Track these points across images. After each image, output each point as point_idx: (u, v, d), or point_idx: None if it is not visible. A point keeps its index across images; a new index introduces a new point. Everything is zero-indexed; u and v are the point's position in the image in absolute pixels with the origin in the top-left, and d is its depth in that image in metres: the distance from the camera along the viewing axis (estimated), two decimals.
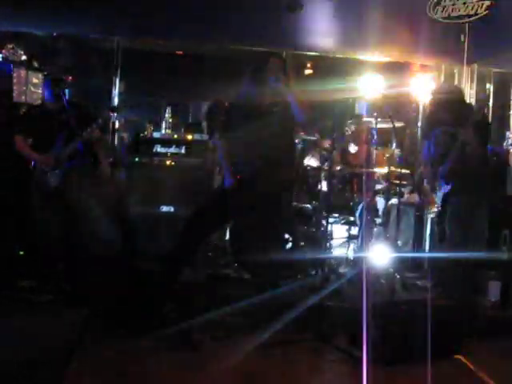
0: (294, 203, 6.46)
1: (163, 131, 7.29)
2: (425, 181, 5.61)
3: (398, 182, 6.26)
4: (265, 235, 4.93)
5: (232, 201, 4.78)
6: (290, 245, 6.17)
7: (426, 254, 6.19)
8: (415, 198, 6.36)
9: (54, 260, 5.36)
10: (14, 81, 6.39)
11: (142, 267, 5.53)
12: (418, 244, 6.54)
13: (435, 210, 5.34)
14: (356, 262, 6.14)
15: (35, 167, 5.48)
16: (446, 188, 5.17)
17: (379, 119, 6.31)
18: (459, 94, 5.52)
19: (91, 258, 5.39)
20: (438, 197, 5.28)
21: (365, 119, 6.87)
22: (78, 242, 5.43)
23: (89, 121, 5.47)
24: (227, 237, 6.49)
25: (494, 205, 5.56)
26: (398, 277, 5.78)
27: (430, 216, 5.54)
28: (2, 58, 6.34)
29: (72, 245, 5.41)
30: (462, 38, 7.28)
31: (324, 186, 6.42)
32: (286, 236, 6.09)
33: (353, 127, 6.92)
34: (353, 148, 6.92)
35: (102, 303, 4.64)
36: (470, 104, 6.56)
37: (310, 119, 4.95)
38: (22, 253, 5.74)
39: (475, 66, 7.61)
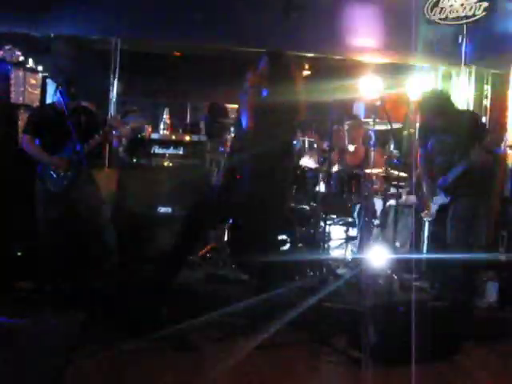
0: (293, 204, 6.46)
1: (161, 132, 7.30)
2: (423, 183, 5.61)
3: (395, 183, 6.26)
4: (263, 236, 4.92)
5: (230, 200, 4.77)
6: (288, 246, 6.17)
7: (424, 256, 6.19)
8: (413, 199, 6.36)
9: (54, 261, 5.34)
10: (12, 82, 6.38)
11: (140, 268, 5.54)
12: (415, 245, 6.54)
13: (432, 212, 5.34)
14: (354, 264, 6.14)
15: (43, 168, 5.44)
16: (445, 200, 5.15)
17: (377, 120, 6.32)
18: (446, 98, 5.44)
19: (91, 259, 5.40)
20: (435, 204, 5.26)
21: (362, 120, 6.88)
22: (81, 244, 5.43)
23: (99, 123, 5.50)
24: (226, 238, 6.50)
25: (492, 206, 5.58)
26: (396, 278, 5.79)
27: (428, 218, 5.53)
28: (0, 58, 6.33)
29: (74, 246, 5.41)
30: (460, 40, 7.30)
31: (322, 187, 6.42)
32: (285, 237, 6.09)
33: (350, 128, 6.94)
34: (350, 149, 6.94)
35: (101, 304, 4.64)
36: (464, 110, 6.56)
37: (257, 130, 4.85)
38: (19, 254, 5.72)
39: (473, 67, 7.62)
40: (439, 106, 5.22)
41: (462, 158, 4.97)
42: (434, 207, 5.28)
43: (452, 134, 5.13)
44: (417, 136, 7.82)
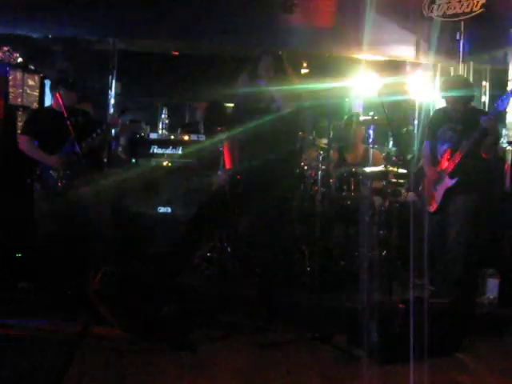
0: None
1: (160, 132, 7.30)
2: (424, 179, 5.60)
3: (395, 180, 6.26)
4: (265, 235, 4.92)
5: (232, 200, 4.78)
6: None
7: (425, 252, 6.18)
8: (413, 196, 6.35)
9: (54, 261, 5.34)
10: (10, 83, 6.38)
11: (140, 268, 5.54)
12: (416, 242, 6.53)
13: (434, 207, 5.35)
14: (354, 261, 6.14)
15: (42, 168, 5.43)
16: (450, 182, 5.18)
17: (376, 118, 6.31)
18: (471, 86, 5.52)
19: (92, 258, 5.39)
20: (438, 194, 5.28)
21: (361, 118, 6.87)
22: (80, 244, 5.42)
23: (95, 123, 5.51)
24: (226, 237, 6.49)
25: (493, 203, 5.58)
26: (397, 275, 5.78)
27: (429, 214, 5.53)
28: None
29: (73, 246, 5.40)
30: (458, 36, 7.29)
31: (321, 185, 6.41)
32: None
33: (349, 126, 6.94)
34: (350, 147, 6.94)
35: (102, 305, 4.64)
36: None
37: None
38: (19, 255, 5.72)
39: (471, 63, 7.61)
40: (464, 90, 5.28)
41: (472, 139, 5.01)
42: (438, 195, 5.28)
43: (464, 122, 5.16)
44: (419, 130, 7.85)
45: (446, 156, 5.25)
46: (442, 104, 5.84)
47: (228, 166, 5.01)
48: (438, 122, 5.47)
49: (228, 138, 5.20)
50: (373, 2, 7.24)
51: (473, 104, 5.54)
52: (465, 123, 5.17)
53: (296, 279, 5.73)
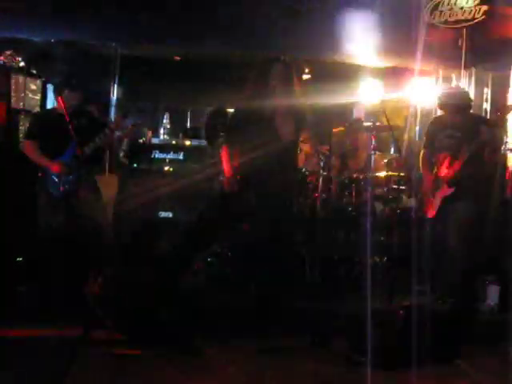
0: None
1: (162, 137, 7.30)
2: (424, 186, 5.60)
3: (396, 186, 6.26)
4: (265, 239, 4.92)
5: (233, 204, 4.78)
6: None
7: (425, 259, 6.18)
8: (413, 202, 6.35)
9: (55, 265, 5.34)
10: (13, 87, 6.39)
11: (142, 272, 5.54)
12: (416, 248, 6.52)
13: (432, 214, 5.34)
14: (355, 267, 6.13)
15: (45, 173, 5.43)
16: (449, 190, 5.17)
17: (377, 124, 6.32)
18: (469, 97, 5.52)
19: (93, 263, 5.39)
20: (436, 201, 5.27)
21: (363, 124, 6.87)
22: (81, 248, 5.42)
23: (100, 125, 5.51)
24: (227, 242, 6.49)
25: (492, 209, 5.57)
26: (397, 281, 5.77)
27: (429, 220, 5.52)
28: (1, 64, 6.34)
29: (74, 250, 5.39)
30: (460, 43, 7.30)
31: (322, 191, 6.42)
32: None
33: (351, 132, 6.94)
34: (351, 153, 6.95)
35: (102, 308, 4.65)
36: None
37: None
38: (20, 258, 5.72)
39: (473, 69, 7.62)
40: (462, 103, 5.27)
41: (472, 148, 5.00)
42: (435, 202, 5.28)
43: (463, 130, 5.15)
44: (421, 136, 7.85)
45: (445, 163, 5.24)
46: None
47: (226, 171, 4.98)
48: (436, 130, 5.46)
49: (225, 144, 5.20)
50: (375, 8, 7.26)
51: (471, 111, 5.54)
52: (464, 130, 5.16)
53: (296, 285, 5.72)
